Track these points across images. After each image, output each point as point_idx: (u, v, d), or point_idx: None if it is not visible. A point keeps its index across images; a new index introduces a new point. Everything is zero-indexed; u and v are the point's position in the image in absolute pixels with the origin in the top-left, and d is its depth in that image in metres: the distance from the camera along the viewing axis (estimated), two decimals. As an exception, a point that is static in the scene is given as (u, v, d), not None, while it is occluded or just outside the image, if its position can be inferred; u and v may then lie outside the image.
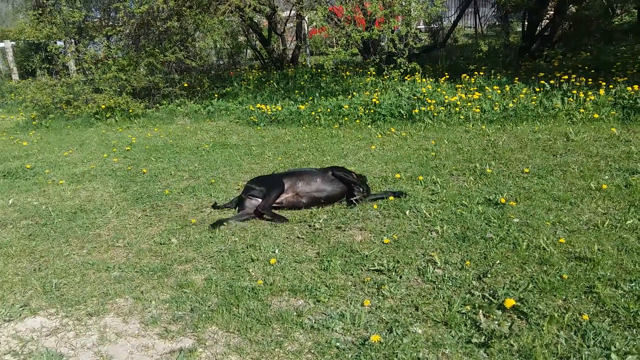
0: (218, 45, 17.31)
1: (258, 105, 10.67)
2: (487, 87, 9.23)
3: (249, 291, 3.47)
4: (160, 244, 4.41)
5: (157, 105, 12.10)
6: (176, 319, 3.21)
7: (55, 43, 12.98)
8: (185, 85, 12.97)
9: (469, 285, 3.37)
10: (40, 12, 12.23)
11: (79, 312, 3.38)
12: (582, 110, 7.42)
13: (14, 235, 4.81)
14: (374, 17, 10.55)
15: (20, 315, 3.37)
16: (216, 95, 12.46)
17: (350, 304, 3.25)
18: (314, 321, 3.09)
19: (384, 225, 4.43)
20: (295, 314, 3.18)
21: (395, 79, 10.41)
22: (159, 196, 5.71)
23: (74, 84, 12.26)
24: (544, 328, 2.81)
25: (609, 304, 2.99)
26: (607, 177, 5.02)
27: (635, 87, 7.51)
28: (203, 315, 3.21)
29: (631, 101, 7.30)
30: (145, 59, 12.00)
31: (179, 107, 11.81)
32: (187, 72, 13.59)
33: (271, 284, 3.56)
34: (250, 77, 14.04)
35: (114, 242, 4.51)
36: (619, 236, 3.81)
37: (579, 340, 2.70)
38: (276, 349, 2.84)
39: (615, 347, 2.60)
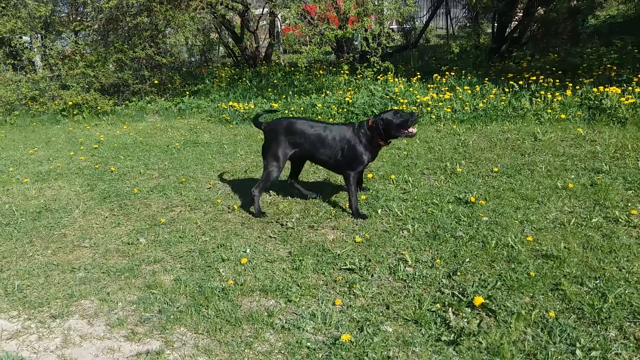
0: (189, 42, 17.06)
1: (230, 103, 10.57)
2: (458, 87, 9.34)
3: (219, 292, 3.43)
4: (128, 244, 4.31)
5: (127, 102, 11.86)
6: (143, 321, 3.14)
7: (21, 38, 12.57)
8: (156, 82, 12.74)
9: (439, 283, 3.40)
10: (3, 5, 11.83)
11: (42, 314, 3.27)
12: (549, 111, 7.58)
13: (-26, 235, 4.64)
14: (347, 16, 10.56)
15: (-21, 318, 3.25)
16: (187, 93, 12.29)
17: (322, 303, 3.24)
18: (284, 321, 3.07)
19: (356, 224, 4.43)
20: (265, 314, 3.15)
21: (368, 78, 10.45)
22: (127, 195, 5.59)
23: (39, 80, 11.91)
24: (511, 325, 2.85)
25: (574, 301, 3.05)
26: (573, 176, 5.14)
27: (601, 88, 7.70)
28: (171, 316, 3.15)
29: (597, 102, 7.48)
30: (114, 55, 11.75)
31: (149, 105, 11.60)
32: (158, 69, 13.36)
33: (242, 284, 3.52)
34: (223, 74, 13.89)
35: (79, 242, 4.39)
36: (584, 234, 3.90)
37: (545, 336, 2.75)
38: (246, 350, 2.81)
39: (580, 343, 2.65)
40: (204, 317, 3.12)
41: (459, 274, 3.47)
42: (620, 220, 4.02)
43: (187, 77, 14.31)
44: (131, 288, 3.55)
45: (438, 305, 3.12)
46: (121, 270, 3.82)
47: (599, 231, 3.92)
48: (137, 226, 4.69)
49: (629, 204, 4.30)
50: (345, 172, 4.62)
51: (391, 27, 15.89)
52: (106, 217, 4.97)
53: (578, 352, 2.59)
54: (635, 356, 2.52)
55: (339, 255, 3.86)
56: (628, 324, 2.78)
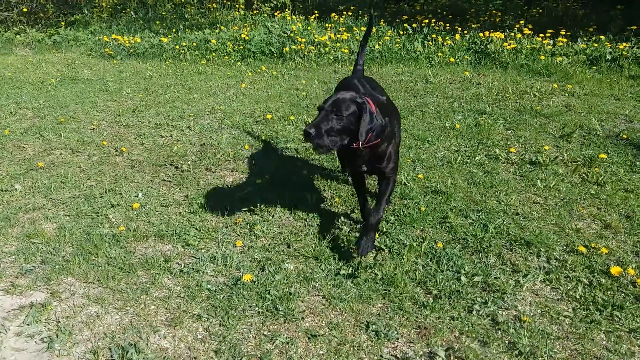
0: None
1: (113, 36, 9.70)
2: (355, 28, 9.35)
3: (110, 238, 3.23)
4: (2, 190, 3.88)
5: (-10, 32, 10.43)
6: (24, 273, 2.88)
7: None
8: (25, 10, 11.29)
9: (337, 221, 3.48)
10: None
11: None
12: (440, 54, 7.88)
13: None
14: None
15: None
16: (63, 24, 11.06)
17: (222, 245, 3.19)
18: (183, 265, 2.98)
19: (256, 166, 4.36)
20: (162, 259, 3.03)
21: (265, 14, 10.08)
22: (-4, 137, 4.98)
23: None
24: (404, 257, 3.01)
25: (459, 232, 3.28)
26: (460, 117, 5.44)
27: (487, 33, 8.12)
28: (56, 266, 2.92)
29: (482, 47, 7.90)
30: (-30, -25, 10.16)
31: (17, 36, 10.30)
32: (26, -5, 11.82)
33: (134, 230, 3.34)
34: (104, 4, 12.62)
35: (-60, 191, 3.88)
36: (468, 171, 4.18)
37: (434, 266, 2.95)
38: (142, 296, 2.70)
39: (464, 270, 2.88)
40: (93, 266, 2.93)
41: (356, 211, 3.57)
42: (500, 157, 4.35)
43: (62, 6, 12.82)
44: (8, 238, 3.23)
45: (339, 242, 3.21)
46: (-6, 219, 3.44)
47: (481, 168, 4.22)
48: (11, 171, 4.22)
49: (508, 143, 4.66)
50: None
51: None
52: (-28, 162, 4.42)
53: (463, 278, 2.81)
54: (511, 279, 2.80)
55: (239, 197, 3.78)
56: (505, 251, 3.07)
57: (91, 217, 3.51)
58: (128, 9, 11.93)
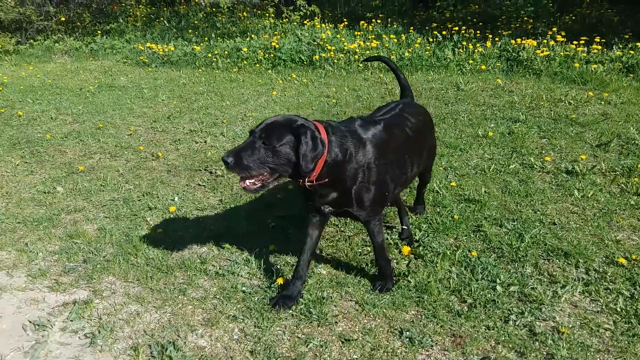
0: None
1: (148, 45, 9.95)
2: (384, 36, 9.37)
3: (148, 240, 3.31)
4: (44, 192, 4.03)
5: (31, 41, 10.82)
6: (68, 271, 2.98)
7: None
8: (63, 19, 11.68)
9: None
10: None
11: (-50, 269, 3.01)
12: (471, 62, 7.83)
13: None
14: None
15: None
16: (99, 32, 11.40)
17: (256, 249, 3.23)
18: (218, 267, 3.04)
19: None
20: (198, 261, 3.09)
21: (295, 23, 10.19)
22: (39, 141, 5.17)
23: None
24: (437, 265, 3.00)
25: (494, 241, 3.26)
26: (492, 125, 5.39)
27: (518, 40, 8.04)
28: (98, 265, 3.01)
29: (514, 54, 7.82)
30: (13, -14, 10.58)
31: (56, 44, 10.65)
32: (65, 5, 12.25)
33: (171, 233, 3.42)
34: (138, 13, 12.98)
35: (-13, 192, 4.04)
36: (502, 179, 4.14)
37: (468, 274, 2.93)
38: (180, 296, 2.76)
39: (500, 279, 2.85)
40: (133, 266, 3.02)
41: (388, 218, 3.57)
42: (535, 166, 4.30)
43: (98, 15, 13.22)
44: (51, 238, 3.34)
45: (369, 248, 3.22)
46: (39, 220, 3.57)
47: (516, 176, 4.18)
48: (53, 174, 4.37)
49: (543, 151, 4.60)
50: None
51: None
52: (17, 165, 4.59)
53: (498, 287, 2.79)
54: (549, 290, 2.76)
55: (271, 203, 3.83)
56: (542, 261, 3.03)
57: (130, 219, 3.61)
58: (161, 18, 12.22)
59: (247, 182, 2.44)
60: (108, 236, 3.36)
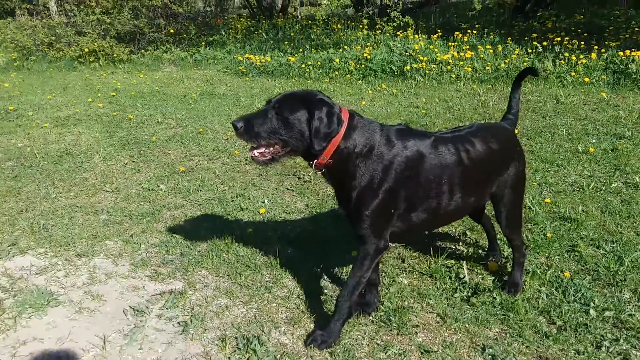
0: (206, -9, 16.75)
1: (247, 55, 10.46)
2: (479, 47, 9.14)
3: (239, 239, 3.50)
4: (149, 189, 4.39)
5: (143, 51, 11.78)
6: (166, 263, 3.23)
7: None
8: (172, 31, 12.62)
9: (455, 239, 3.43)
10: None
11: (68, 252, 3.38)
12: (573, 74, 7.42)
13: (-1, 176, 4.73)
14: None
15: (9, 253, 3.36)
16: (203, 43, 12.15)
17: (340, 254, 3.30)
18: (302, 269, 3.14)
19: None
20: (284, 261, 3.22)
21: (388, 34, 10.24)
22: (146, 143, 5.63)
23: (56, 26, 11.82)
24: (526, 283, 2.89)
25: (590, 262, 3.08)
26: (594, 140, 5.08)
27: (627, 52, 7.50)
28: (193, 260, 3.23)
29: (622, 66, 7.31)
30: (130, 2, 11.59)
31: (164, 54, 11.52)
32: (173, 18, 13.20)
33: (260, 233, 3.58)
34: (239, 25, 13.68)
35: (101, 187, 4.47)
36: (603, 198, 3.89)
37: (559, 295, 2.79)
38: (265, 294, 2.89)
39: (594, 303, 2.69)
40: (224, 262, 3.20)
41: (475, 231, 3.49)
42: (640, 185, 4.01)
43: (203, 27, 14.12)
44: (153, 232, 3.64)
45: (453, 261, 3.17)
46: (143, 214, 3.90)
47: (618, 196, 3.91)
48: (157, 173, 4.75)
49: (650, 170, 4.26)
50: None
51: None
52: (126, 164, 5.03)
53: (592, 311, 2.63)
54: (648, 317, 2.57)
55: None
56: (643, 286, 2.82)
57: (223, 218, 3.83)
58: (260, 30, 12.80)
59: (256, 152, 2.32)
60: (203, 232, 3.59)
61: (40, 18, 12.34)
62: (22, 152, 5.40)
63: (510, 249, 2.95)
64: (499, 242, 3.23)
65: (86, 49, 11.01)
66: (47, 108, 7.32)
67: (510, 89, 2.96)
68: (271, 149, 2.30)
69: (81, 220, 3.83)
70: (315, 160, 2.29)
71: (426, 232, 2.77)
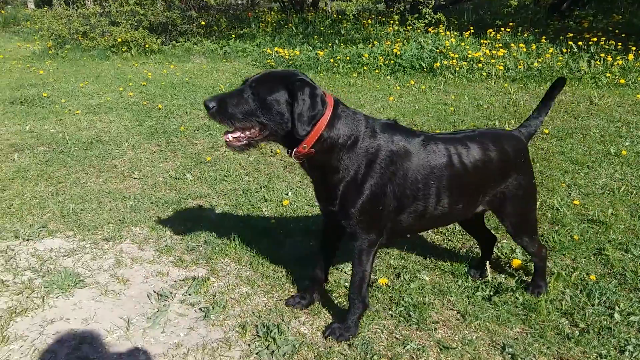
0: (238, -16, 16.87)
1: (276, 49, 10.50)
2: (512, 45, 8.98)
3: (262, 230, 3.53)
4: (175, 178, 4.46)
5: (174, 42, 11.94)
6: (190, 250, 3.29)
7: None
8: (203, 23, 12.74)
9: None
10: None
11: (96, 236, 3.46)
12: (608, 75, 7.22)
13: (32, 160, 4.87)
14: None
15: (38, 235, 3.46)
16: (233, 36, 12.24)
17: (361, 248, 3.30)
18: (324, 262, 3.15)
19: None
20: (306, 252, 3.23)
21: (419, 30, 10.14)
22: (174, 132, 5.72)
23: (90, 16, 12.08)
24: (550, 284, 2.84)
25: (617, 266, 3.01)
26: (627, 143, 4.95)
27: (667, 54, 7.27)
28: (216, 248, 3.28)
29: (661, 68, 7.09)
30: (164, -7, 11.76)
31: (195, 46, 11.65)
32: (205, 10, 13.33)
33: (283, 225, 3.61)
34: (269, 19, 13.73)
35: (129, 174, 4.57)
36: (633, 202, 3.79)
37: (584, 298, 2.74)
38: (287, 284, 2.91)
39: (619, 307, 2.63)
40: (247, 251, 3.24)
41: (499, 231, 3.45)
42: (674, 190, 3.89)
43: (234, 20, 14.22)
44: (178, 219, 3.70)
45: (475, 260, 3.13)
46: (169, 202, 3.97)
47: (650, 200, 3.81)
48: (184, 162, 4.82)
49: (686, 175, 4.13)
50: None
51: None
52: (154, 152, 5.12)
53: (616, 315, 2.58)
54: (677, 324, 2.50)
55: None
56: (672, 292, 2.74)
57: (247, 209, 3.87)
58: (290, 24, 12.82)
59: (231, 136, 2.16)
60: (227, 222, 3.64)
61: (75, 7, 12.62)
62: (54, 137, 5.55)
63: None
64: (488, 266, 2.94)
65: (119, 39, 11.22)
66: (79, 96, 7.50)
67: (545, 91, 2.84)
68: (247, 132, 2.15)
69: (109, 206, 3.92)
70: (296, 149, 2.15)
71: (407, 236, 2.68)
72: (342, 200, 2.24)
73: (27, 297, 2.80)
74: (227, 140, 2.18)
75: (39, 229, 3.53)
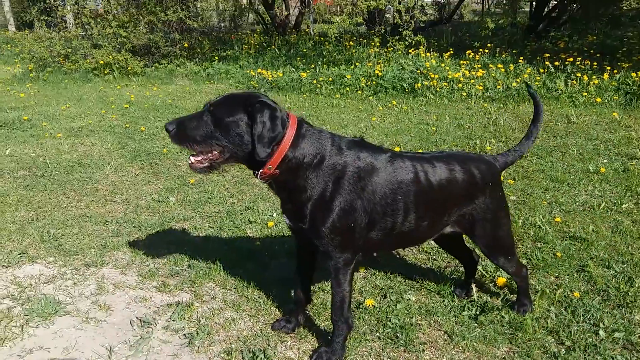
0: (220, 7, 17.00)
1: (259, 70, 10.56)
2: (491, 65, 9.17)
3: (247, 252, 3.50)
4: (159, 201, 4.41)
5: (157, 64, 11.93)
6: (174, 274, 3.24)
7: (54, -5, 12.68)
8: (186, 45, 12.77)
9: (464, 257, 3.41)
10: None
11: (77, 262, 3.40)
12: (585, 94, 7.40)
13: (11, 185, 4.79)
14: (381, -13, 10.38)
15: (18, 262, 3.39)
16: (216, 58, 12.29)
17: (346, 269, 3.28)
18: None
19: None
20: (291, 275, 3.20)
21: (400, 52, 10.30)
22: (157, 155, 5.68)
23: (72, 38, 12.04)
24: (535, 302, 2.86)
25: (600, 283, 3.04)
26: (605, 160, 5.05)
27: (640, 73, 7.49)
28: (200, 271, 3.24)
29: (634, 87, 7.28)
30: (146, 16, 11.77)
31: (178, 68, 11.66)
32: (188, 33, 13.37)
33: (268, 247, 3.58)
34: (252, 41, 13.84)
35: (112, 197, 4.51)
36: (613, 219, 3.86)
37: (569, 315, 2.76)
38: (272, 308, 2.88)
39: (604, 324, 2.66)
40: (232, 275, 3.20)
41: (484, 249, 3.47)
42: (652, 207, 3.96)
43: (217, 42, 14.29)
44: (162, 243, 3.65)
45: (461, 278, 3.14)
46: (152, 225, 3.92)
47: (629, 217, 3.87)
48: (167, 185, 4.78)
49: (663, 192, 4.22)
50: None
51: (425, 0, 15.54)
52: (137, 175, 5.08)
53: (601, 332, 2.60)
54: (660, 340, 2.53)
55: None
56: (654, 308, 2.78)
57: (232, 231, 3.84)
58: (273, 46, 12.93)
59: (193, 158, 2.20)
60: (211, 244, 3.60)
61: (57, 30, 12.57)
62: (35, 161, 5.47)
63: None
64: (473, 286, 2.99)
65: (101, 62, 11.19)
66: (60, 119, 7.42)
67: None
68: (209, 155, 2.17)
69: (91, 230, 3.86)
70: (261, 170, 2.17)
71: (374, 255, 2.68)
72: (312, 219, 2.25)
73: (5, 326, 2.72)
74: (190, 162, 2.22)
75: (19, 255, 3.45)
